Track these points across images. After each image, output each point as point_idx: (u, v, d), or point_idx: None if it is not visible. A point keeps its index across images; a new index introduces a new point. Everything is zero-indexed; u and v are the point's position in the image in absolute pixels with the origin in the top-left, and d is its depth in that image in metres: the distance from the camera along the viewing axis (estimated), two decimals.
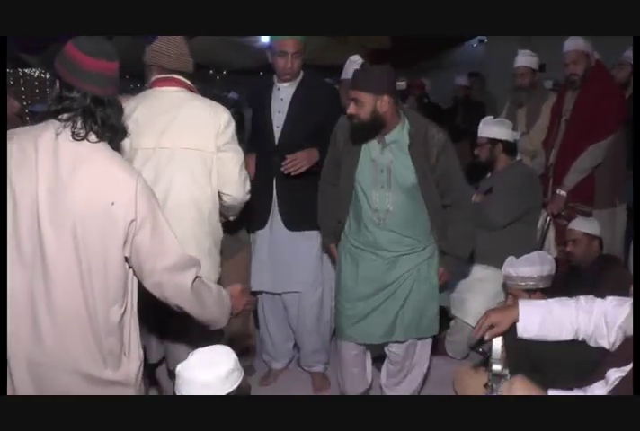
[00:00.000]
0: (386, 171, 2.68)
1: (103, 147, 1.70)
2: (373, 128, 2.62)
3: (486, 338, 2.18)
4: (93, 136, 1.68)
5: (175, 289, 1.78)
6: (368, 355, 3.14)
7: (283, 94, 3.09)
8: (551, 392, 1.69)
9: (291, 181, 3.04)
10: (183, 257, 1.79)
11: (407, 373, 3.05)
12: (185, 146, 2.35)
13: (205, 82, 11.96)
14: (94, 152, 1.68)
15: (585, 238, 3.24)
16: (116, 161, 1.71)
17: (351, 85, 2.60)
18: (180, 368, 1.53)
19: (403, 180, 2.68)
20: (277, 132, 3.10)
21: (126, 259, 1.74)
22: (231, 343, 3.43)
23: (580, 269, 3.26)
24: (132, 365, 1.82)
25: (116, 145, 1.79)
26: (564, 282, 3.18)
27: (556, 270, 3.70)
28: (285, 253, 3.20)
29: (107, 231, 1.66)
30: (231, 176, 2.44)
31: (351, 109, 2.57)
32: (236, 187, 2.46)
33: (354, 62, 3.49)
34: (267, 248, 3.22)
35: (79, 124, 1.66)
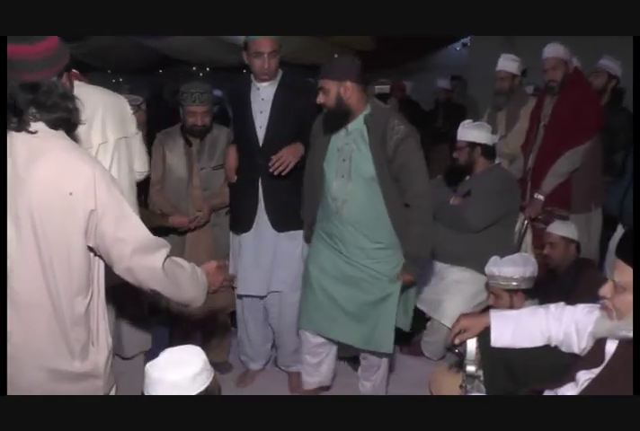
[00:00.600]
0: (347, 161, 2.71)
1: (57, 137, 1.67)
2: (340, 116, 2.67)
3: (456, 342, 2.24)
4: (42, 126, 1.65)
5: (147, 272, 1.75)
6: (334, 350, 3.15)
7: (264, 94, 3.07)
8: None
9: (277, 181, 3.03)
10: (150, 239, 1.77)
11: (377, 370, 3.11)
12: (117, 137, 2.39)
13: (188, 78, 11.96)
14: (48, 142, 1.65)
15: (563, 242, 3.29)
16: (71, 150, 1.69)
17: (319, 76, 2.65)
18: (148, 367, 1.53)
19: (362, 170, 2.69)
20: (260, 132, 3.08)
21: (91, 249, 1.73)
22: (210, 338, 3.48)
23: (556, 272, 3.31)
24: (100, 355, 1.82)
25: (73, 134, 1.76)
26: (541, 284, 3.23)
27: None
28: (269, 254, 3.19)
29: (67, 221, 1.65)
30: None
31: (320, 98, 2.65)
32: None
33: None
34: (253, 251, 3.19)
35: (23, 115, 1.62)
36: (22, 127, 1.63)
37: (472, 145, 3.62)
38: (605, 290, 1.73)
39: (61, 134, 1.69)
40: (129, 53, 8.93)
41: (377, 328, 2.84)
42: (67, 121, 1.70)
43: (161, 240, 1.81)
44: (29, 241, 1.64)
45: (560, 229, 3.33)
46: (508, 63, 4.21)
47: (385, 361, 3.10)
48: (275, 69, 3.03)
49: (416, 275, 2.84)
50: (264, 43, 2.91)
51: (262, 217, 3.15)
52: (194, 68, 11.28)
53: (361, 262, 2.80)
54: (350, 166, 2.70)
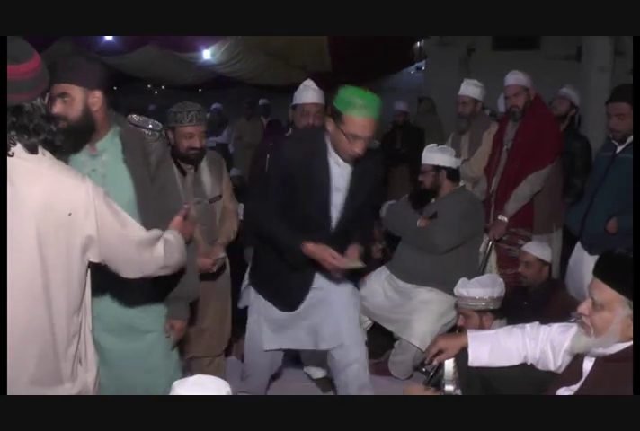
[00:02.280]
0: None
1: (46, 159, 1.65)
2: (84, 133, 2.14)
3: (435, 363, 2.29)
4: (34, 148, 1.62)
5: (154, 264, 1.85)
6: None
7: (345, 170, 2.63)
8: None
9: None
10: (150, 237, 1.84)
11: None
12: None
13: (143, 96, 11.85)
14: (39, 165, 1.62)
15: (537, 263, 3.43)
16: (62, 170, 1.67)
17: (55, 80, 1.98)
18: (175, 384, 1.54)
19: (120, 196, 2.05)
20: (335, 214, 2.67)
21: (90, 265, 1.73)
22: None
23: (528, 291, 3.44)
24: (89, 374, 1.79)
25: (58, 155, 1.73)
26: (512, 301, 3.34)
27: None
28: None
29: (69, 242, 1.64)
30: None
31: (58, 107, 2.04)
32: None
33: (308, 87, 3.49)
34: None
35: (12, 139, 1.59)
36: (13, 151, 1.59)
37: (437, 168, 3.71)
38: (584, 308, 1.80)
39: (49, 155, 1.67)
40: None
41: None
42: (51, 143, 1.67)
43: (155, 231, 1.88)
44: (29, 265, 1.61)
45: (536, 251, 3.46)
46: (470, 88, 4.35)
47: None
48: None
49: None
50: (368, 127, 2.42)
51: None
52: (149, 86, 11.19)
53: None
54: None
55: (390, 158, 6.49)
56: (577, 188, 4.01)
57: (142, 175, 2.24)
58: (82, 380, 1.76)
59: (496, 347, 2.16)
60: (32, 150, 1.62)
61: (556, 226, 3.90)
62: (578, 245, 3.58)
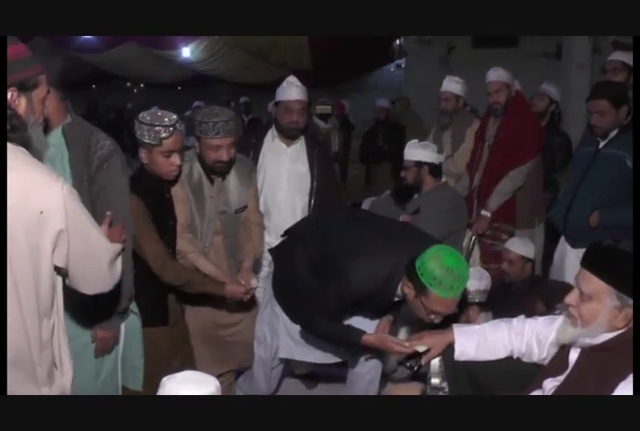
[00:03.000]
0: None
1: (21, 153, 1.62)
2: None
3: (423, 362, 2.28)
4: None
5: (113, 280, 1.83)
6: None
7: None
8: None
9: None
10: (114, 251, 1.81)
11: None
12: None
13: (122, 94, 11.76)
14: (12, 158, 1.58)
15: (521, 260, 3.47)
16: (36, 166, 1.64)
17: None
18: (165, 380, 1.54)
19: None
20: None
21: (55, 269, 1.69)
22: None
23: (511, 287, 3.47)
24: (65, 378, 1.77)
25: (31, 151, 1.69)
26: (496, 296, 3.37)
27: None
28: None
29: (37, 241, 1.60)
30: None
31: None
32: None
33: (292, 83, 3.44)
34: None
35: None
36: None
37: (419, 164, 3.70)
38: (571, 298, 1.81)
39: (23, 150, 1.63)
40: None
41: None
42: (16, 139, 1.62)
43: (116, 245, 1.86)
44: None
45: (519, 248, 3.49)
46: (452, 84, 4.37)
47: None
48: None
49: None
50: (451, 305, 2.30)
51: None
52: (128, 84, 11.10)
53: None
54: None
55: (372, 155, 6.53)
56: (557, 183, 4.06)
57: (79, 173, 2.18)
58: (59, 384, 1.74)
59: (482, 342, 2.17)
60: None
61: (538, 221, 3.93)
62: (562, 239, 3.61)
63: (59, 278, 1.73)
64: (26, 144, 1.66)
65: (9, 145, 1.59)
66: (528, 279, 3.45)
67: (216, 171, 2.80)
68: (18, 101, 1.63)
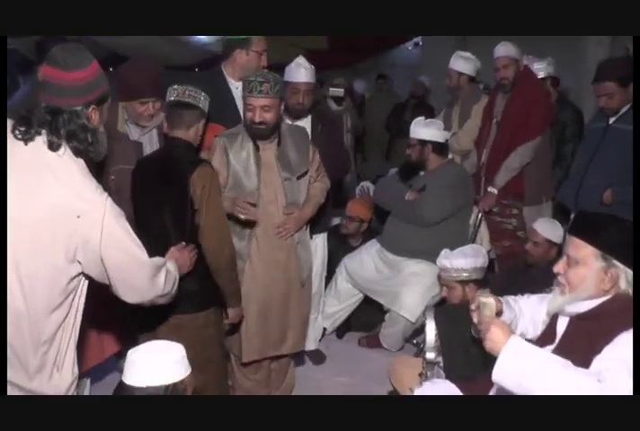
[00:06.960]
0: None
1: (71, 160, 1.67)
2: None
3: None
4: (58, 147, 1.65)
5: (156, 292, 1.87)
6: None
7: None
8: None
9: None
10: (152, 265, 1.84)
11: None
12: None
13: None
14: (64, 162, 1.65)
15: (546, 243, 3.34)
16: (87, 177, 1.69)
17: None
18: (130, 352, 1.56)
19: None
20: None
21: (86, 277, 1.74)
22: None
23: (531, 270, 3.38)
24: (63, 381, 1.79)
25: (90, 162, 1.75)
26: (515, 277, 3.34)
27: (500, 265, 3.81)
28: None
29: (64, 241, 1.64)
30: None
31: None
32: None
33: (300, 64, 3.40)
34: None
35: (44, 135, 1.64)
36: (27, 138, 1.64)
37: (422, 142, 3.69)
38: (559, 266, 1.86)
39: (72, 157, 1.68)
40: None
41: None
42: (84, 153, 1.69)
43: (159, 259, 1.90)
44: (15, 250, 1.62)
45: (546, 231, 3.36)
46: (456, 62, 4.32)
47: None
48: None
49: None
50: None
51: None
52: None
53: None
54: None
55: (395, 128, 6.51)
56: (567, 158, 4.00)
57: None
58: (54, 384, 1.76)
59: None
60: (52, 147, 1.64)
61: (546, 198, 3.87)
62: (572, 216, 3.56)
63: (84, 281, 1.78)
64: (100, 155, 1.73)
65: (71, 155, 1.66)
66: (551, 262, 3.31)
67: (255, 133, 2.76)
68: (94, 116, 1.70)
